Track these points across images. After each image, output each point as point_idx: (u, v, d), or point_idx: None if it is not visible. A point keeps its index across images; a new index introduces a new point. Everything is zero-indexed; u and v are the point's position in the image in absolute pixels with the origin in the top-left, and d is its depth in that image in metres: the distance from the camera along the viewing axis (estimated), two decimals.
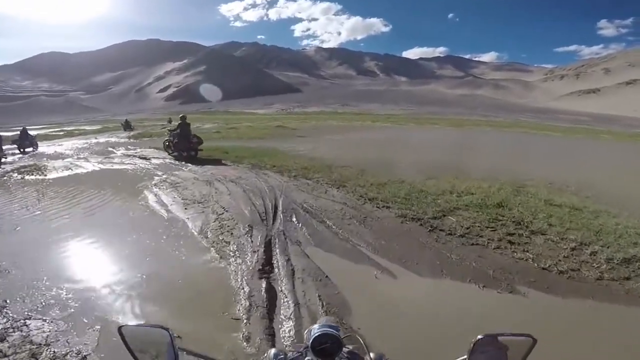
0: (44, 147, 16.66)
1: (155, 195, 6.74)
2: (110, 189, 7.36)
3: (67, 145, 17.64)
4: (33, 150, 15.80)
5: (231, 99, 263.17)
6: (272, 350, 1.03)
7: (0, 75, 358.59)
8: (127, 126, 29.31)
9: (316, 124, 33.26)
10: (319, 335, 0.94)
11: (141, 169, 9.79)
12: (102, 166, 10.56)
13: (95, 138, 22.00)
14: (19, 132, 16.38)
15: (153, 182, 7.83)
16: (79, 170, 9.90)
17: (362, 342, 1.04)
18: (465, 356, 0.85)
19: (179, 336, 1.02)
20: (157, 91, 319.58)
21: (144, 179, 8.37)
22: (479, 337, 0.86)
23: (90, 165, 10.66)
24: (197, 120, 52.74)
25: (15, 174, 9.44)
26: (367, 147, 15.18)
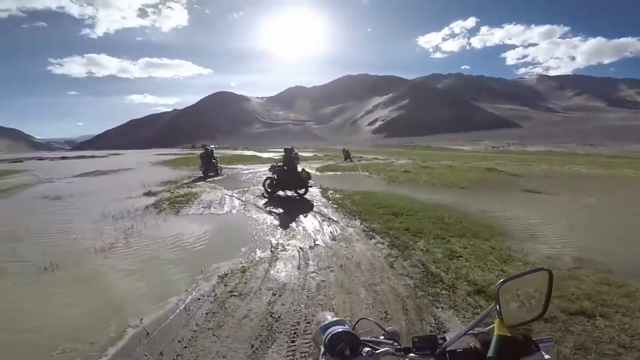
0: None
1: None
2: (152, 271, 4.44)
3: (262, 171, 18.08)
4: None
5: (433, 134, 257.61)
6: None
7: (267, 105, 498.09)
8: (346, 156, 31.52)
9: (550, 169, 23.67)
10: (331, 337, 0.89)
11: (271, 229, 6.70)
12: (240, 210, 8.38)
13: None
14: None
15: (220, 276, 4.32)
16: (212, 210, 8.23)
17: (374, 321, 1.06)
18: (494, 304, 0.88)
19: None
20: (366, 124, 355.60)
21: (239, 252, 5.11)
22: (499, 283, 0.89)
23: (229, 207, 8.72)
24: (394, 154, 51.10)
25: (165, 204, 8.67)
26: None
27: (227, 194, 10.57)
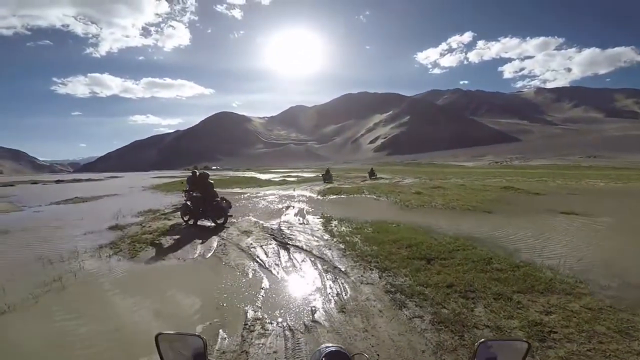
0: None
1: None
2: None
3: (258, 195, 16.23)
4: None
5: (435, 150, 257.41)
6: None
7: (269, 125, 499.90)
8: (371, 174, 31.37)
9: (566, 184, 21.73)
10: (329, 352, 0.93)
11: (250, 287, 4.69)
12: (216, 253, 6.34)
13: (294, 190, 20.16)
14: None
15: None
16: (179, 253, 6.27)
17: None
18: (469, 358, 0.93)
19: None
20: (367, 142, 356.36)
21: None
22: (480, 341, 0.97)
23: (203, 248, 6.71)
24: (398, 172, 49.04)
25: (126, 243, 6.75)
26: None
27: (207, 229, 8.62)
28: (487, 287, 4.20)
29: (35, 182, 38.32)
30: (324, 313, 3.73)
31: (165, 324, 3.58)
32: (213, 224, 8.96)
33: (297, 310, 3.84)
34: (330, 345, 0.98)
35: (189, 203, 9.35)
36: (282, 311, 3.81)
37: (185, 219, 9.43)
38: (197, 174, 15.31)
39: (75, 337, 3.34)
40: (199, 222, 9.24)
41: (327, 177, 27.32)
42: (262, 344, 3.13)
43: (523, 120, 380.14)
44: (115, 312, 3.91)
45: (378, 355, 2.91)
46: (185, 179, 15.88)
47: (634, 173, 39.65)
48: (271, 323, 3.52)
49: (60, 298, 4.30)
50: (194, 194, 9.37)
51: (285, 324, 3.50)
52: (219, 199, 9.23)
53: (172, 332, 1.05)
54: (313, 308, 3.84)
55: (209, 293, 4.39)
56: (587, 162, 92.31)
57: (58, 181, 40.37)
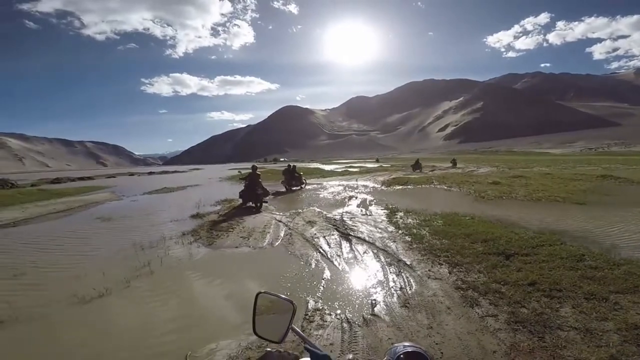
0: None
1: None
2: None
3: (322, 186, 16.49)
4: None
5: (514, 137, 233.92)
6: (349, 356, 1.24)
7: (331, 116, 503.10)
8: (454, 163, 34.32)
9: None
10: (407, 352, 0.88)
11: (311, 277, 4.76)
12: (282, 242, 6.59)
13: (356, 180, 20.12)
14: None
15: None
16: (250, 242, 6.50)
17: None
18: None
19: None
20: (436, 130, 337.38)
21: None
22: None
23: (271, 237, 7.00)
24: (472, 161, 45.61)
25: (204, 230, 7.34)
26: None
27: (276, 218, 9.00)
28: (578, 286, 3.66)
29: (132, 174, 44.13)
30: (384, 307, 3.62)
31: (234, 309, 3.81)
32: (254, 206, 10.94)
33: (357, 302, 3.79)
34: (408, 344, 0.90)
35: (245, 187, 11.41)
36: (341, 303, 3.80)
37: (241, 199, 11.44)
38: (291, 166, 16.81)
39: (158, 318, 3.70)
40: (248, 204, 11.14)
41: (416, 166, 28.50)
42: (320, 335, 3.15)
43: (622, 103, 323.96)
44: (193, 295, 4.28)
45: (442, 353, 2.73)
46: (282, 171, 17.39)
47: None
48: (330, 314, 3.52)
49: (148, 282, 4.78)
50: (246, 182, 11.45)
51: (343, 316, 3.47)
52: (257, 188, 11.18)
53: (270, 292, 1.16)
54: (373, 301, 3.75)
55: (276, 281, 4.56)
56: None
57: (150, 173, 46.04)
